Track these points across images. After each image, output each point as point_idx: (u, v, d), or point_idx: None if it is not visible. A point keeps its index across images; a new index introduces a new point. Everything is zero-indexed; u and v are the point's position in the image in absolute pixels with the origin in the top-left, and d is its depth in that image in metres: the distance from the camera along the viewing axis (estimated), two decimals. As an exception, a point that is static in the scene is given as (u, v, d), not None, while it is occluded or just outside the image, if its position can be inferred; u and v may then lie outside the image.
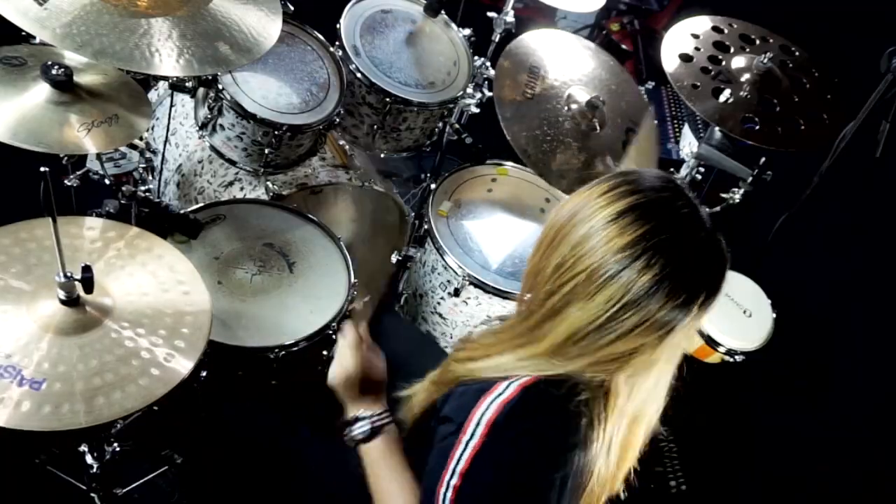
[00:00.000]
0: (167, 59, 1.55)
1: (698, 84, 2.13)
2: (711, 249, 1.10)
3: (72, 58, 1.63)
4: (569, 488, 1.14)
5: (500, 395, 1.12)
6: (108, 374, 1.30)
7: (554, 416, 1.13)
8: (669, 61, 2.15)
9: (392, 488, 1.28)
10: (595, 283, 1.06)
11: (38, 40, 1.73)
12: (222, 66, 1.73)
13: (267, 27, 1.77)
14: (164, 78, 2.15)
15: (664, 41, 2.20)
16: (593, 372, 1.12)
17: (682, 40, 2.22)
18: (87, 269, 1.31)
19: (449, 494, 1.11)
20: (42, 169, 1.16)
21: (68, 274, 1.31)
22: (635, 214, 1.06)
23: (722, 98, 2.12)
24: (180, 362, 1.36)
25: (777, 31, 2.33)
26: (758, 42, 2.27)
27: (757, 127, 2.10)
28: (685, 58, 2.17)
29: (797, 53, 2.28)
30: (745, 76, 2.17)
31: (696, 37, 2.23)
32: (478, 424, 1.11)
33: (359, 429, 1.34)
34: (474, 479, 1.11)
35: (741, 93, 2.14)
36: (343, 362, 1.40)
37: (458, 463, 1.11)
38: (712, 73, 2.17)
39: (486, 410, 1.11)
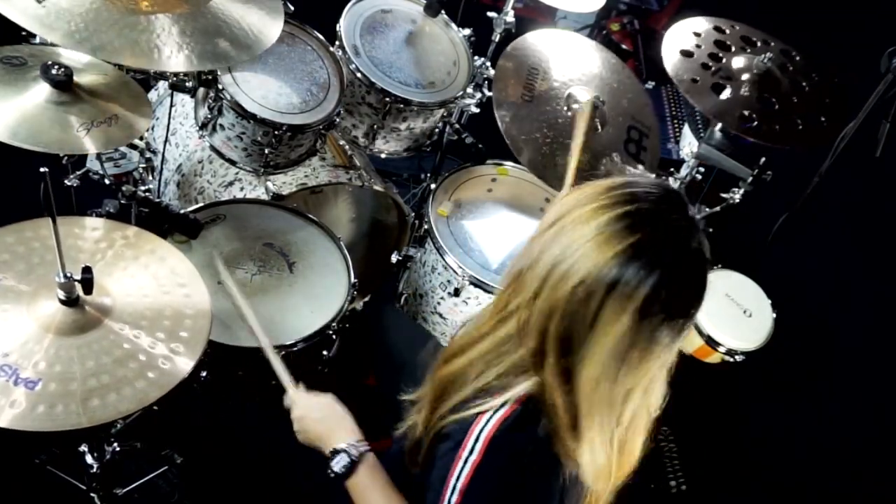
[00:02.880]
0: (167, 55, 1.55)
1: (697, 79, 2.12)
2: (700, 263, 1.08)
3: (72, 58, 1.63)
4: (571, 496, 1.14)
5: (497, 411, 1.12)
6: (104, 375, 1.30)
7: (549, 429, 1.12)
8: (669, 56, 2.14)
9: None
10: (586, 289, 1.04)
11: (38, 40, 1.73)
12: (221, 62, 1.73)
13: (267, 25, 1.77)
14: (164, 77, 2.15)
15: (665, 38, 2.20)
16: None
17: (683, 37, 2.21)
18: (86, 270, 1.31)
19: None
20: (42, 169, 1.16)
21: (68, 274, 1.31)
22: (630, 221, 1.04)
23: (722, 95, 2.12)
24: (177, 366, 1.35)
25: (777, 34, 2.32)
26: (759, 44, 2.27)
27: (755, 124, 2.09)
28: (686, 53, 2.16)
29: (798, 58, 2.27)
30: (745, 76, 2.17)
31: (697, 35, 2.23)
32: (476, 440, 1.11)
33: (338, 463, 1.30)
34: (474, 496, 1.11)
35: (741, 90, 2.13)
36: (300, 414, 1.40)
37: (457, 480, 1.11)
38: (712, 69, 2.16)
39: (484, 426, 1.11)
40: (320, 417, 1.39)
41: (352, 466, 1.30)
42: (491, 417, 1.12)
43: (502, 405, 1.12)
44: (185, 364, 1.36)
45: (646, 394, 1.14)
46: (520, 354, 1.14)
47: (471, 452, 1.11)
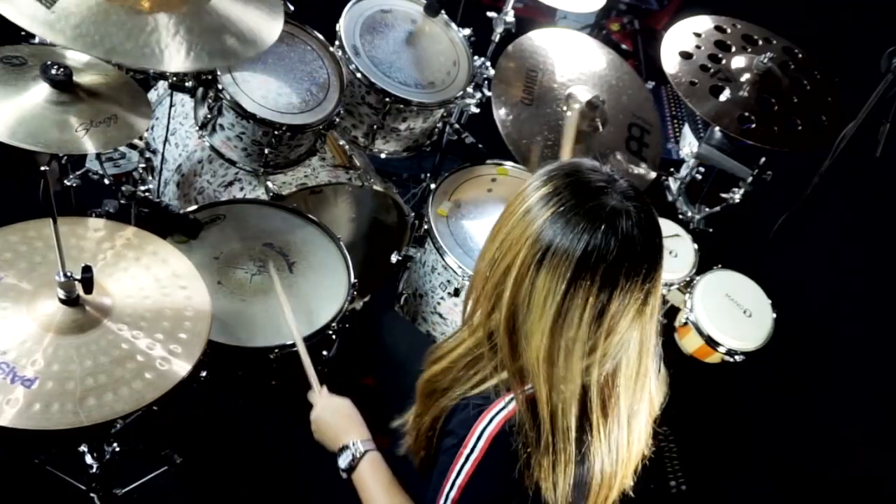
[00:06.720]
0: (177, 54, 1.56)
1: (696, 81, 2.12)
2: (629, 221, 1.10)
3: (71, 57, 1.63)
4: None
5: (501, 410, 1.13)
6: (101, 375, 1.30)
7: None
8: (669, 58, 2.14)
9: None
10: (521, 266, 1.09)
11: (37, 40, 1.73)
12: (231, 58, 1.75)
13: (266, 23, 1.77)
14: (164, 77, 2.15)
15: (665, 39, 2.20)
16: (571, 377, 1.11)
17: (683, 38, 2.21)
18: (87, 270, 1.31)
19: None
20: (42, 169, 1.16)
21: (68, 273, 1.31)
22: (551, 195, 1.12)
23: (721, 97, 2.12)
24: (175, 367, 1.35)
25: (779, 33, 2.32)
26: (760, 43, 2.26)
27: (753, 126, 2.09)
28: (685, 55, 2.16)
29: (800, 56, 2.27)
30: (745, 76, 2.17)
31: (697, 35, 2.23)
32: (479, 438, 1.12)
33: (344, 459, 1.38)
34: (473, 492, 1.12)
35: (739, 92, 2.13)
36: (317, 415, 1.50)
37: (457, 476, 1.13)
38: (711, 71, 2.16)
39: (487, 425, 1.12)
40: (333, 418, 1.47)
41: (354, 462, 1.36)
42: (494, 417, 1.13)
43: (506, 406, 1.13)
44: (182, 366, 1.36)
45: (639, 376, 1.15)
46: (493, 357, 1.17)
47: (472, 450, 1.12)
